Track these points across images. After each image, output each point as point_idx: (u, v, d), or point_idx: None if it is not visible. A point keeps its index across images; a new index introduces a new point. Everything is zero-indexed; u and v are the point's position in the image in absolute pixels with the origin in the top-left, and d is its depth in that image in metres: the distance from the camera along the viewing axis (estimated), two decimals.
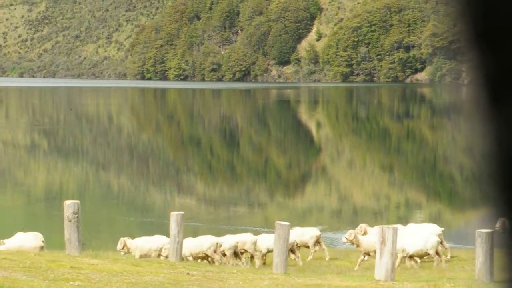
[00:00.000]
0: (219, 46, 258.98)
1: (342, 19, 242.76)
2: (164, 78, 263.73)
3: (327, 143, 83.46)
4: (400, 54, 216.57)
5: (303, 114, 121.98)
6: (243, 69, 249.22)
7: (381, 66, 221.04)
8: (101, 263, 18.54)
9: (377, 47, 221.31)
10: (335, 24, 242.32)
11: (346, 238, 23.50)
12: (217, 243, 23.59)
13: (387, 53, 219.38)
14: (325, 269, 22.68)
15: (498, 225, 25.00)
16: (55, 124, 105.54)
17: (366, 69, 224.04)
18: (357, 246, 23.28)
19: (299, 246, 24.73)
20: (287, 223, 20.23)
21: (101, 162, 65.47)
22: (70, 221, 20.42)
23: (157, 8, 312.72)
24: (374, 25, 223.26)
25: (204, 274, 18.03)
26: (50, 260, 18.03)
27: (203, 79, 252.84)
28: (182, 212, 21.90)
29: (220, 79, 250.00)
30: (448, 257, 24.60)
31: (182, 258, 21.50)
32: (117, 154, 71.99)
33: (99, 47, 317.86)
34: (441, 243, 24.07)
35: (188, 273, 18.06)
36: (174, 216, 21.44)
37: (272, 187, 51.45)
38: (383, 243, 18.79)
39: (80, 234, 20.40)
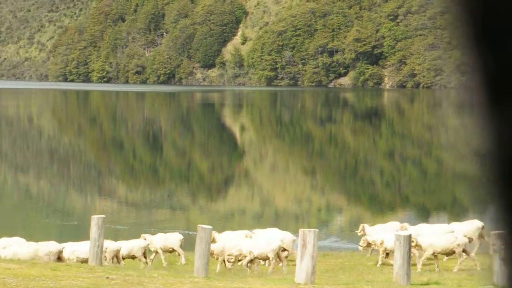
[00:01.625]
0: (144, 49, 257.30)
1: (267, 23, 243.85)
2: (87, 80, 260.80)
3: (251, 146, 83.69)
4: (324, 59, 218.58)
5: (227, 117, 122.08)
6: (168, 72, 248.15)
7: (305, 70, 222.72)
8: (18, 267, 18.23)
9: (302, 52, 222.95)
10: (260, 28, 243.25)
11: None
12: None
13: (311, 58, 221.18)
14: (246, 272, 22.73)
15: (359, 230, 25.27)
16: None
17: (290, 73, 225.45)
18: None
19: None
20: (209, 227, 20.23)
21: (20, 164, 64.36)
22: None
23: (81, 10, 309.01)
24: (298, 29, 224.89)
25: (124, 278, 17.89)
26: None
27: (127, 82, 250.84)
28: (103, 216, 21.73)
29: (144, 82, 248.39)
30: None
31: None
32: (37, 157, 70.87)
33: (20, 48, 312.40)
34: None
35: (108, 277, 17.89)
36: (95, 220, 21.25)
37: (195, 191, 51.34)
38: (304, 246, 18.92)
39: None
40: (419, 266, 22.52)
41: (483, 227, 25.13)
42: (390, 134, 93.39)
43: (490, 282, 18.37)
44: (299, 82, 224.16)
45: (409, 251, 19.28)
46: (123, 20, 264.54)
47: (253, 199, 48.40)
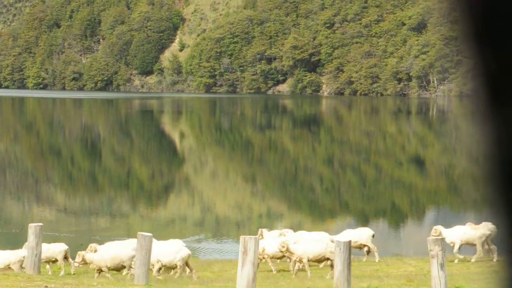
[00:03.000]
0: (80, 55, 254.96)
1: (205, 30, 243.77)
2: (23, 86, 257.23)
3: (191, 153, 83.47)
4: (262, 66, 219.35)
5: (167, 124, 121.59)
6: (105, 78, 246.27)
7: (244, 77, 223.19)
8: None
9: (240, 59, 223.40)
10: (198, 35, 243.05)
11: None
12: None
13: (250, 65, 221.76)
14: (188, 279, 22.62)
15: (260, 233, 25.50)
16: None
17: (229, 80, 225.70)
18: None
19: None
20: (149, 234, 20.09)
21: None
22: None
23: (14, 15, 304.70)
24: (236, 36, 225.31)
25: (62, 287, 17.65)
26: None
27: (63, 88, 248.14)
28: (41, 224, 21.46)
29: (81, 89, 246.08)
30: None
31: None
32: None
33: None
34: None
35: (46, 286, 17.63)
36: (33, 228, 20.97)
37: (134, 198, 50.99)
38: (245, 253, 18.90)
39: None
40: (294, 273, 22.80)
41: (373, 235, 25.93)
42: (329, 140, 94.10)
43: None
44: (238, 89, 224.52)
45: (349, 257, 19.39)
46: (58, 26, 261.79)
47: (194, 206, 48.27)
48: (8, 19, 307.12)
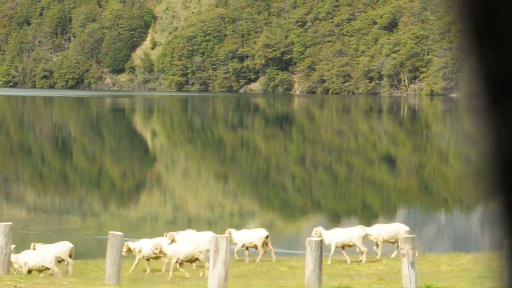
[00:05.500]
0: (51, 53, 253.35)
1: (176, 28, 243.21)
2: None
3: (162, 152, 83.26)
4: (234, 64, 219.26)
5: (138, 123, 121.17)
6: (76, 76, 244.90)
7: (216, 75, 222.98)
8: None
9: (212, 57, 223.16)
10: (170, 33, 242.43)
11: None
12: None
13: (222, 63, 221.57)
14: (159, 279, 22.57)
15: (167, 235, 25.54)
16: None
17: (201, 78, 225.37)
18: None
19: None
20: (120, 233, 20.02)
21: None
22: None
23: None
24: (208, 34, 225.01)
25: (32, 286, 17.53)
26: None
27: (34, 86, 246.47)
28: (10, 223, 21.28)
29: (52, 87, 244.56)
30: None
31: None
32: None
33: None
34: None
35: (16, 286, 17.50)
36: (2, 227, 20.81)
37: (105, 197, 50.75)
38: (216, 252, 18.88)
39: None
40: (171, 274, 22.95)
41: (267, 236, 26.24)
42: (301, 139, 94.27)
43: (400, 286, 18.67)
44: (210, 88, 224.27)
45: (321, 256, 19.43)
46: (29, 24, 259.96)
47: (166, 204, 48.17)
48: None
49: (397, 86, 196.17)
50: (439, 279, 20.30)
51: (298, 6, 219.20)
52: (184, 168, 68.32)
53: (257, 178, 61.08)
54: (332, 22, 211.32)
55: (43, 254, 22.76)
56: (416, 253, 19.42)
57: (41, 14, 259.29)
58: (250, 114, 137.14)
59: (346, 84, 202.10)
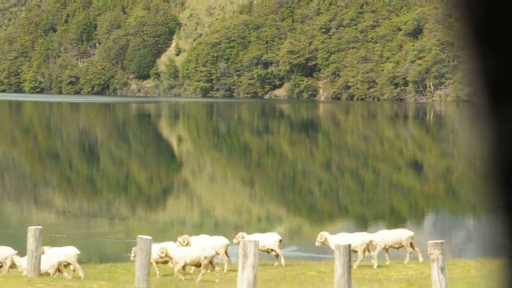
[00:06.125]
0: (77, 59, 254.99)
1: (201, 34, 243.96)
2: (19, 90, 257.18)
3: (188, 157, 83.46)
4: (259, 71, 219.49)
5: (164, 128, 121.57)
6: (102, 82, 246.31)
7: (241, 81, 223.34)
8: None
9: (236, 63, 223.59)
10: (194, 40, 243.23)
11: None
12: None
13: (246, 69, 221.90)
14: (188, 283, 22.60)
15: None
16: None
17: (226, 84, 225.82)
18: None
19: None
20: (149, 237, 20.09)
21: None
22: None
23: (10, 19, 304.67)
24: (232, 41, 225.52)
25: None
26: None
27: (60, 92, 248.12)
28: (40, 227, 21.40)
29: (78, 92, 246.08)
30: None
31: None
32: None
33: None
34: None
35: None
36: (32, 231, 20.93)
37: (133, 201, 50.96)
38: (245, 256, 18.88)
39: None
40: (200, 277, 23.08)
41: (280, 240, 26.11)
42: (326, 145, 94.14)
43: None
44: (235, 94, 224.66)
45: (349, 261, 19.36)
46: (54, 31, 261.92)
47: (193, 209, 48.26)
48: (3, 23, 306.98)
49: (423, 92, 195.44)
50: (470, 285, 20.17)
51: (322, 13, 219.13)
52: (210, 173, 68.43)
53: (284, 183, 61.04)
54: (356, 28, 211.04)
55: (45, 259, 22.75)
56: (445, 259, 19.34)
57: (66, 21, 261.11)
58: (275, 120, 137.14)
59: (371, 90, 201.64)
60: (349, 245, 20.01)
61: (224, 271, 25.08)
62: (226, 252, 25.74)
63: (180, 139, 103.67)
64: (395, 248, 26.49)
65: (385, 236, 26.54)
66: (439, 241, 20.89)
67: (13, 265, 22.79)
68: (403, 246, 25.98)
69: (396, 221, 42.00)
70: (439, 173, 66.55)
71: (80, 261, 23.76)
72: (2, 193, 54.93)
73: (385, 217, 44.73)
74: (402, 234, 26.60)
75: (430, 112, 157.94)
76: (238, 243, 26.05)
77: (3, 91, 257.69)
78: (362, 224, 40.17)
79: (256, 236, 26.52)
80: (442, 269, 18.46)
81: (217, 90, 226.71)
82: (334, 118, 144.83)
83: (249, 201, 51.73)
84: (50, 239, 30.87)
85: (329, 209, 48.51)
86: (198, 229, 40.09)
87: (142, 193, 54.94)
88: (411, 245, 26.31)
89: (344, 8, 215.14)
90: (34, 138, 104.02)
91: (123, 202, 50.51)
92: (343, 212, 47.23)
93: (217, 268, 23.13)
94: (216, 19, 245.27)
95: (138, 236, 20.10)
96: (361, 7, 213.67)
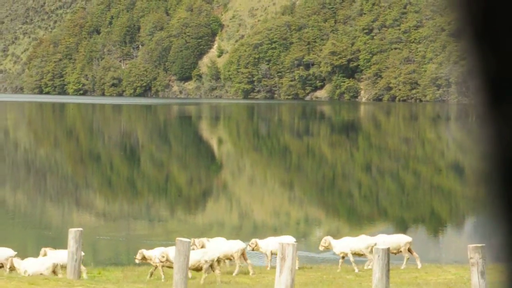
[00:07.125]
0: (120, 61, 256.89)
1: (243, 35, 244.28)
2: (63, 92, 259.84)
3: (228, 159, 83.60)
4: (300, 72, 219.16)
5: (205, 130, 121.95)
6: (144, 84, 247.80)
7: (282, 83, 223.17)
8: None
9: (278, 64, 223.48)
10: (236, 41, 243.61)
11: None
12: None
13: (288, 71, 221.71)
14: (226, 286, 22.65)
15: (198, 242, 25.39)
16: None
17: (267, 86, 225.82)
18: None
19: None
20: (188, 240, 20.12)
21: None
22: None
23: (55, 22, 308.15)
24: (274, 42, 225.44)
25: None
26: None
27: (103, 94, 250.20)
28: (80, 229, 21.55)
29: (120, 94, 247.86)
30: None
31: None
32: (13, 170, 70.37)
33: None
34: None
35: None
36: (73, 233, 21.08)
37: (173, 203, 51.18)
38: (283, 259, 18.87)
39: None
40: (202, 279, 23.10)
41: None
42: (367, 147, 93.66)
43: None
44: (276, 95, 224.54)
45: (388, 264, 19.26)
46: (98, 33, 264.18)
47: (232, 211, 48.34)
48: (49, 25, 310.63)
49: (466, 93, 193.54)
50: None
51: (365, 14, 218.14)
52: (250, 175, 68.49)
53: (323, 186, 60.87)
54: (399, 29, 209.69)
55: (42, 261, 22.83)
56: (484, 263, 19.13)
57: (110, 23, 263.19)
58: (316, 122, 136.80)
59: (413, 91, 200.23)
60: (388, 249, 19.92)
61: (251, 274, 25.09)
62: (244, 256, 25.60)
63: (220, 141, 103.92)
64: (393, 253, 26.35)
65: (385, 240, 26.49)
66: (479, 245, 20.69)
67: (12, 267, 22.80)
68: (401, 251, 26.03)
69: (436, 224, 41.67)
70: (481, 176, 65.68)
71: (84, 263, 23.95)
72: (44, 194, 55.56)
73: (425, 220, 44.40)
74: (400, 240, 26.59)
75: (473, 114, 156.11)
76: (252, 249, 26.24)
77: (48, 93, 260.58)
78: (402, 227, 39.89)
79: (271, 240, 26.42)
80: (482, 274, 18.26)
81: (258, 91, 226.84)
82: (375, 119, 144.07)
83: (289, 204, 51.68)
84: (91, 241, 31.13)
85: (369, 211, 48.26)
86: (237, 231, 40.17)
87: (182, 194, 55.16)
88: (409, 250, 26.29)
89: (387, 8, 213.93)
90: (76, 140, 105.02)
91: (162, 204, 50.75)
92: (382, 215, 46.96)
93: (217, 271, 23.05)
94: (259, 20, 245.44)
95: (177, 238, 20.14)
96: (405, 7, 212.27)
